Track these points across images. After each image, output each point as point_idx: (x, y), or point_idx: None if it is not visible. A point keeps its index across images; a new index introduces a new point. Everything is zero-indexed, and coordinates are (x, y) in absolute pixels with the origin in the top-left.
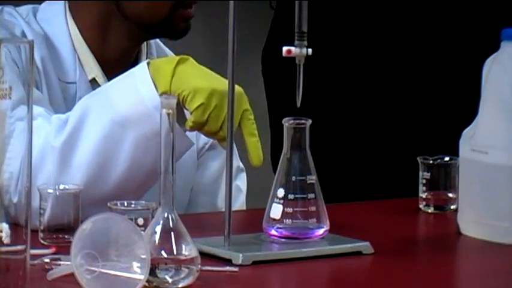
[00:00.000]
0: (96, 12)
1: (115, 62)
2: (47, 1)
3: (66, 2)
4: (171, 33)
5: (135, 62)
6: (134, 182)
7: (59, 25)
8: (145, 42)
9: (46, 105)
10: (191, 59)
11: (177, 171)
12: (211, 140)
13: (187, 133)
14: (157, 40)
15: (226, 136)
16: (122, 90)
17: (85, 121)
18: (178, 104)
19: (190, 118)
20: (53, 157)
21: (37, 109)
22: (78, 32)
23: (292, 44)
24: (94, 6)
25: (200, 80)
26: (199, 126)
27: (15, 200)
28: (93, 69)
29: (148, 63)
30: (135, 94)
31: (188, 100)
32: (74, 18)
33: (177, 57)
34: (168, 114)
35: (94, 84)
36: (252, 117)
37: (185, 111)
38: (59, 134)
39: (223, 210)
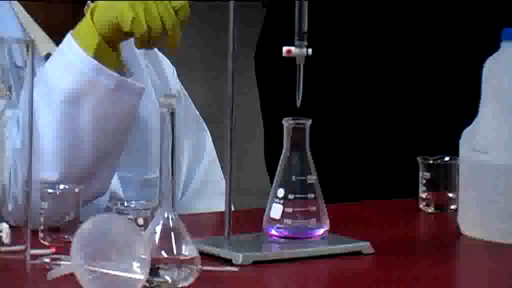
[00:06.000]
0: None
1: (64, 31)
2: None
3: None
4: None
5: None
6: (107, 146)
7: (3, 7)
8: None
9: (15, 105)
10: (95, 3)
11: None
12: None
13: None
14: None
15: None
16: (58, 69)
17: (35, 113)
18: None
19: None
20: (21, 159)
21: (8, 113)
22: (23, 9)
23: (285, 42)
24: None
25: (113, 4)
26: (146, 37)
27: (10, 207)
28: (46, 45)
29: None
30: (72, 68)
31: (122, 24)
32: None
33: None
34: (168, 114)
35: None
36: None
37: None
38: (17, 135)
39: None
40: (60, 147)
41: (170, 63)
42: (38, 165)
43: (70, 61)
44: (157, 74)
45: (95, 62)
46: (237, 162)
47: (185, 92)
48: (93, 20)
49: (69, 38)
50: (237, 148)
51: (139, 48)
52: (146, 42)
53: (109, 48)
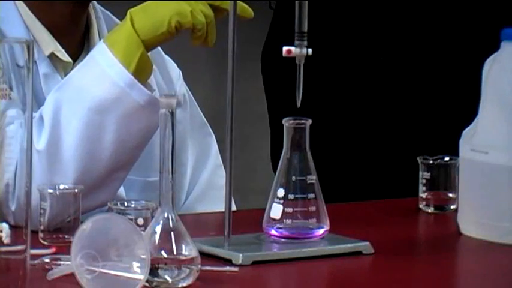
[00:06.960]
0: None
1: (68, 31)
2: None
3: None
4: None
5: (86, 29)
6: (123, 159)
7: (7, 7)
8: (92, 8)
9: (18, 104)
10: (129, 12)
11: None
12: None
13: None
14: (106, 11)
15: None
16: (90, 77)
17: (60, 116)
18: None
19: (193, 33)
20: (39, 160)
21: (12, 112)
22: (27, 9)
23: (291, 44)
24: None
25: (161, 12)
26: (204, 30)
27: (13, 207)
28: (50, 45)
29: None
30: (106, 78)
31: (181, 20)
32: None
33: (123, 22)
34: (168, 114)
35: (54, 58)
36: None
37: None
38: (39, 136)
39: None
40: (79, 153)
41: (176, 67)
42: (55, 167)
43: (104, 70)
44: (163, 77)
45: (131, 75)
46: (239, 163)
47: (192, 97)
48: (134, 28)
49: (102, 46)
50: (239, 148)
51: (195, 44)
52: (203, 36)
53: (149, 60)
